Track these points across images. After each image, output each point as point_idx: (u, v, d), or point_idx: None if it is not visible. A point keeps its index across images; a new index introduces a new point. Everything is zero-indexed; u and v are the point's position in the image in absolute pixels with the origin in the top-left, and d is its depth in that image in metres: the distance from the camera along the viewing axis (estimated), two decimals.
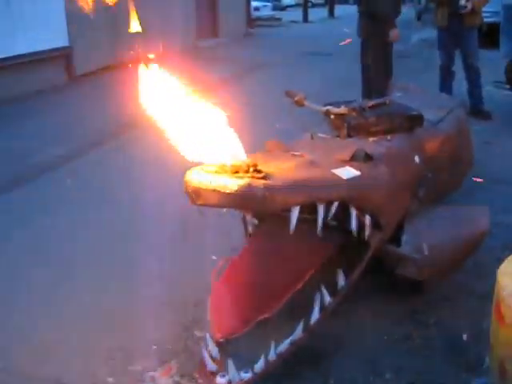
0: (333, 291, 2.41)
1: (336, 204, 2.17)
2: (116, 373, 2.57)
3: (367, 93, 5.91)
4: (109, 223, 4.09)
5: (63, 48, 9.43)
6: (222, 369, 2.14)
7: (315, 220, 2.18)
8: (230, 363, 2.09)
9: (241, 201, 1.83)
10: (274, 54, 13.05)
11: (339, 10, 28.25)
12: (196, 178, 1.90)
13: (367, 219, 2.42)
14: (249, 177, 1.86)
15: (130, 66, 1.85)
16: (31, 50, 8.57)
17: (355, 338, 2.67)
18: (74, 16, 9.29)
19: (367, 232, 2.43)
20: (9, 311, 3.06)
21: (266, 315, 2.23)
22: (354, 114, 2.88)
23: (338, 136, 2.97)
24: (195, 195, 1.88)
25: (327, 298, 2.37)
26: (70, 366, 2.62)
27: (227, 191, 1.81)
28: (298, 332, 2.25)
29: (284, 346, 2.20)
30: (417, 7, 22.04)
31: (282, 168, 2.09)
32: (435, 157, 3.13)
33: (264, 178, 1.87)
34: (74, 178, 5.10)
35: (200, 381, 2.20)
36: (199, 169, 1.94)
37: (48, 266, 3.51)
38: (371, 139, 2.83)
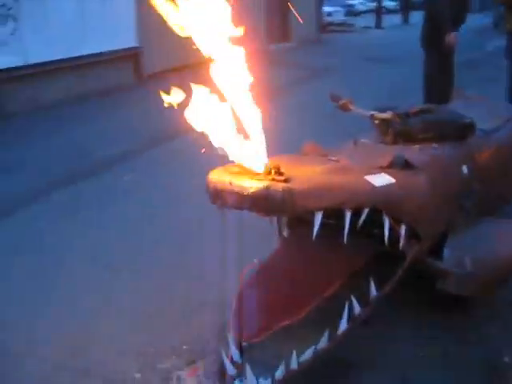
0: (364, 301, 2.33)
1: (366, 211, 2.09)
2: (144, 369, 2.59)
3: (428, 102, 5.70)
4: (153, 222, 4.15)
5: (132, 48, 9.68)
6: (242, 373, 2.10)
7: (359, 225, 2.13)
8: (248, 369, 2.05)
9: (258, 203, 1.78)
10: (342, 59, 12.93)
11: (415, 16, 27.61)
12: (216, 178, 1.87)
13: (402, 229, 2.32)
14: (269, 179, 1.81)
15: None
16: (100, 49, 8.84)
17: (388, 351, 2.57)
18: (143, 17, 9.54)
19: (402, 242, 2.33)
20: (49, 301, 3.15)
21: (291, 322, 2.18)
22: (397, 119, 2.78)
23: (382, 142, 2.88)
24: (215, 195, 1.86)
25: (357, 308, 2.29)
26: (101, 360, 2.67)
27: (245, 193, 1.78)
28: (324, 341, 2.18)
29: (307, 354, 2.13)
30: (495, 13, 21.19)
31: (309, 172, 2.03)
32: (486, 168, 2.98)
33: (285, 180, 1.81)
34: (131, 175, 5.23)
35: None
36: (222, 169, 1.92)
37: (92, 263, 3.60)
38: (417, 146, 2.73)
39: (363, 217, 2.10)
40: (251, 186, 1.77)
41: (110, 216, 4.33)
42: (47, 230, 4.15)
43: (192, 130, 1.84)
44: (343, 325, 2.23)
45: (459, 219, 2.76)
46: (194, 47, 1.81)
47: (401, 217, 2.29)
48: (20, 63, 7.61)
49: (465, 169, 2.81)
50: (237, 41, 1.81)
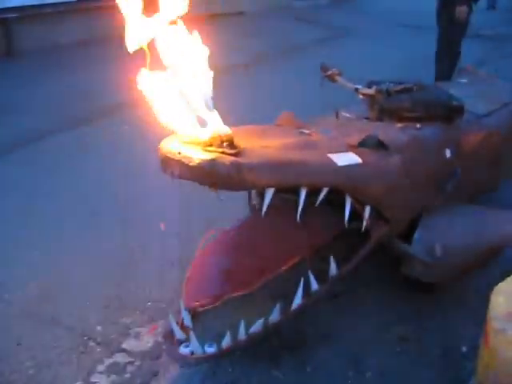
0: (323, 279, 2.31)
1: (325, 190, 2.05)
2: (105, 322, 2.63)
3: (436, 78, 5.54)
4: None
5: None
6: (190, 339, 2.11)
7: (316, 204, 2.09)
8: (193, 334, 2.06)
9: (203, 176, 1.74)
10: (373, 21, 12.47)
11: None
12: (167, 147, 1.83)
13: (367, 210, 2.28)
14: (219, 152, 1.77)
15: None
16: None
17: (345, 330, 2.57)
18: None
19: (365, 223, 2.29)
20: (29, 245, 3.20)
21: (244, 292, 2.17)
22: (379, 96, 2.70)
23: (367, 118, 2.80)
24: (164, 164, 1.82)
25: (314, 285, 2.27)
26: (66, 309, 2.71)
27: (191, 164, 1.73)
28: (275, 314, 2.17)
29: (257, 326, 2.13)
30: None
31: (268, 146, 1.98)
32: (472, 153, 2.89)
33: (236, 154, 1.77)
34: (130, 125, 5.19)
35: (164, 347, 2.19)
36: (175, 137, 1.87)
37: (79, 208, 3.64)
38: (398, 125, 2.65)
39: (322, 196, 2.05)
40: (197, 157, 1.73)
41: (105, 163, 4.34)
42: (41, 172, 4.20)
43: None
44: (297, 300, 2.22)
45: (436, 203, 2.70)
46: None
47: (365, 199, 2.24)
48: (36, 2, 7.53)
49: (448, 152, 2.73)
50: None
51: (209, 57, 1.88)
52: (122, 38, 1.77)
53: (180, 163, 1.76)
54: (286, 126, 2.43)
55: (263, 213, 1.91)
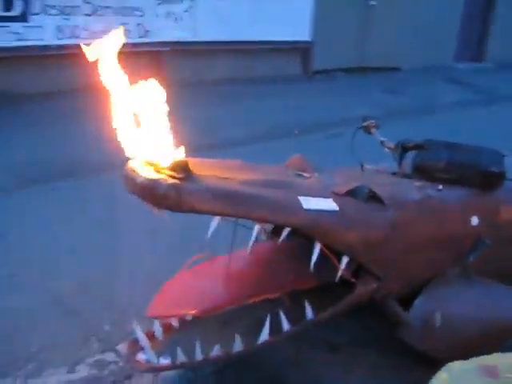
0: (296, 320, 2.32)
1: (287, 230, 2.08)
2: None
3: None
4: None
5: (304, 42, 9.91)
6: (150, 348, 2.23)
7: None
8: (147, 345, 2.19)
9: (144, 193, 1.87)
10: None
11: None
12: (129, 165, 1.98)
13: (343, 261, 2.24)
14: (166, 174, 1.89)
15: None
16: (270, 37, 9.21)
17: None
18: (320, 12, 9.72)
19: (340, 274, 2.25)
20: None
21: (199, 314, 2.25)
22: (397, 150, 2.64)
23: (396, 173, 2.74)
24: (123, 179, 1.98)
25: (285, 325, 2.29)
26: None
27: (137, 181, 1.88)
28: (238, 345, 2.23)
29: (215, 351, 2.20)
30: None
31: (230, 178, 2.05)
32: (506, 225, 2.70)
33: (183, 178, 1.87)
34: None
35: (123, 352, 2.35)
36: (143, 160, 2.00)
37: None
38: (417, 184, 2.57)
39: (284, 234, 2.10)
40: (144, 176, 1.88)
41: None
42: None
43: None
44: (264, 336, 2.25)
45: (455, 271, 2.56)
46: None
47: (339, 248, 2.21)
48: (189, 38, 8.27)
49: (475, 220, 2.58)
50: None
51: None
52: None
53: (130, 179, 1.93)
54: (282, 167, 2.48)
55: (207, 237, 1.99)
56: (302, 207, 2.07)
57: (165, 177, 1.87)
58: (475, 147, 2.79)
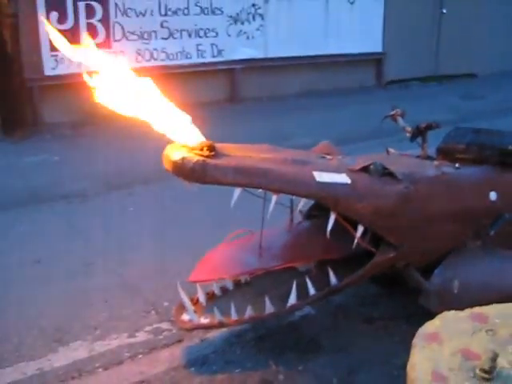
0: (322, 286, 2.58)
1: (303, 200, 2.39)
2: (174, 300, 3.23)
3: None
4: None
5: (376, 53, 10.09)
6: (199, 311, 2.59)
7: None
8: (190, 306, 2.55)
9: (175, 168, 2.21)
10: None
11: None
12: (168, 148, 2.34)
13: (359, 229, 2.48)
14: (195, 153, 2.22)
15: None
16: (342, 51, 9.47)
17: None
18: (391, 23, 9.88)
19: (356, 241, 2.49)
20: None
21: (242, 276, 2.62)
22: (413, 132, 2.84)
23: (418, 156, 2.93)
24: (164, 160, 2.33)
25: (311, 290, 2.56)
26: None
27: (171, 159, 2.23)
28: (269, 307, 2.53)
29: (248, 312, 2.51)
30: None
31: (252, 156, 2.36)
32: None
33: (210, 156, 2.20)
34: None
35: (173, 312, 2.72)
36: (175, 144, 2.35)
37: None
38: (436, 163, 2.76)
39: (301, 204, 2.39)
40: (177, 154, 2.24)
41: None
42: None
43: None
44: (292, 300, 2.54)
45: (472, 245, 2.72)
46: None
47: (353, 216, 2.45)
48: (261, 56, 8.71)
49: (493, 195, 2.74)
50: None
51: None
52: None
53: (167, 158, 2.30)
54: (307, 151, 2.76)
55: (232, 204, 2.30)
56: (315, 180, 2.35)
57: (193, 155, 2.23)
58: (500, 131, 2.95)
